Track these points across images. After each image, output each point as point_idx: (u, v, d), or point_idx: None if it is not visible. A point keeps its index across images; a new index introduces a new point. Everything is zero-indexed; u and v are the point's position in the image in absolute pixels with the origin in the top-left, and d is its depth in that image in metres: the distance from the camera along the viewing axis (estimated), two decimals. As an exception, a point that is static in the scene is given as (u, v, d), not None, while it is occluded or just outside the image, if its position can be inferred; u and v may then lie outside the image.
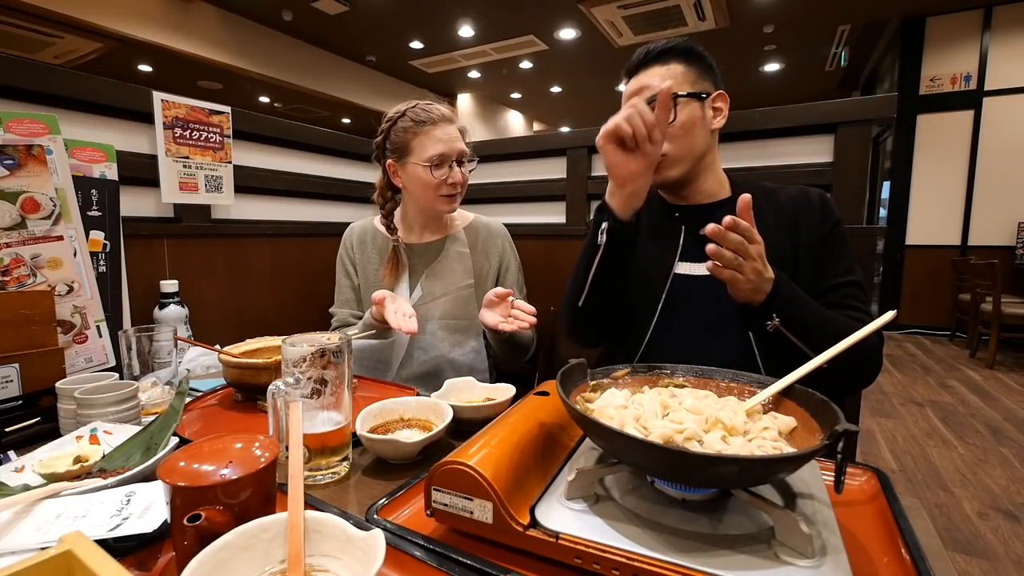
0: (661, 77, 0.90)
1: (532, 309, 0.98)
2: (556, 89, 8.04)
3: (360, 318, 1.25)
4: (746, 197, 0.69)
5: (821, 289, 0.87)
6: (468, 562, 0.45)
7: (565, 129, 8.02)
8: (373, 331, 1.06)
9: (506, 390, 0.84)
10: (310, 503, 0.54)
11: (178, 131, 1.26)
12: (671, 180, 0.93)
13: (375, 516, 0.52)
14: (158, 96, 1.22)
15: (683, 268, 0.94)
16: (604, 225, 0.83)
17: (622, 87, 1.00)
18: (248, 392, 0.88)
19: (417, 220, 1.24)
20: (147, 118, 1.22)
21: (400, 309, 1.01)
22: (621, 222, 0.82)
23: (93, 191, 1.01)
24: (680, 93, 0.88)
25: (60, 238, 0.91)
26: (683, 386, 0.62)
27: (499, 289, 0.99)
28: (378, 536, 0.38)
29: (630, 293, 0.97)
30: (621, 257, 0.86)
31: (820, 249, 0.88)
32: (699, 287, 0.92)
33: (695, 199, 0.97)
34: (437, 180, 1.11)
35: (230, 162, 1.37)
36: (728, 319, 0.86)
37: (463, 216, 1.29)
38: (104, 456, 0.60)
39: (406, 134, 1.13)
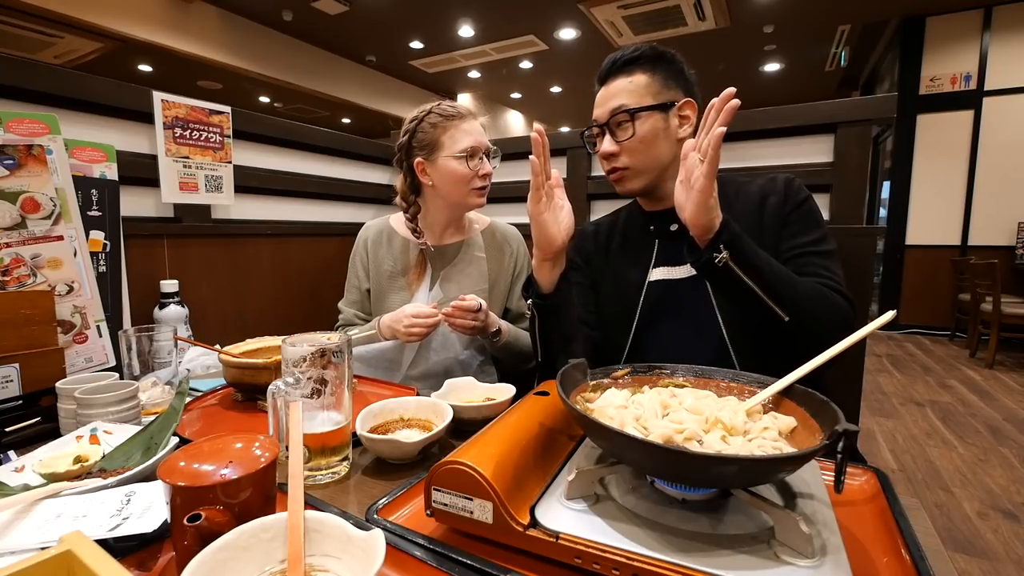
0: (623, 90, 0.91)
1: (468, 305, 1.03)
2: (556, 89, 8.04)
3: (363, 319, 1.25)
4: (730, 91, 0.67)
5: (781, 259, 0.83)
6: (468, 562, 0.45)
7: (565, 129, 8.01)
8: (373, 331, 1.07)
9: (506, 390, 0.84)
10: (310, 503, 0.54)
11: (178, 131, 1.26)
12: (634, 191, 0.95)
13: (375, 516, 0.52)
14: (158, 96, 1.22)
15: (658, 274, 0.95)
16: (529, 301, 0.90)
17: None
18: (248, 392, 0.88)
19: (439, 221, 1.24)
20: (147, 118, 1.22)
21: (418, 318, 1.05)
22: (543, 296, 0.87)
23: (93, 191, 1.01)
24: (638, 107, 0.88)
25: (60, 238, 0.91)
26: (683, 386, 0.62)
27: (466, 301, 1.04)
28: (378, 536, 0.38)
29: (606, 308, 1.00)
30: (556, 316, 0.90)
31: (783, 224, 0.87)
32: (676, 290, 0.93)
33: (670, 203, 0.95)
34: (471, 172, 1.13)
35: (230, 162, 1.37)
36: (707, 315, 0.88)
37: (481, 220, 1.30)
38: (104, 456, 0.60)
39: (435, 129, 1.14)
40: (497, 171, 1.70)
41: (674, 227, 0.94)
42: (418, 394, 0.87)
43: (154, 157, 1.23)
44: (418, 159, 1.17)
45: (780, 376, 0.57)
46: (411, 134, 1.17)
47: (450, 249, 1.23)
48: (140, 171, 1.21)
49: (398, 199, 1.25)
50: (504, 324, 1.15)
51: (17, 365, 0.77)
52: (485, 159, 1.15)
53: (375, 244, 1.27)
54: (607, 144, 0.92)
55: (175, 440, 0.62)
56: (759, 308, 0.74)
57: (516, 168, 1.69)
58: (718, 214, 0.72)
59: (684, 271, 0.92)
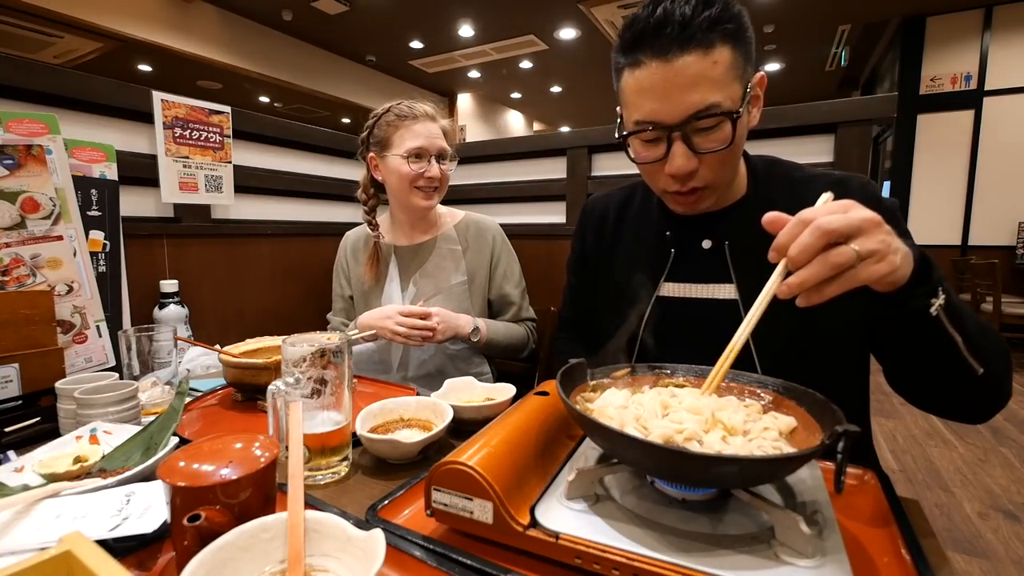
0: (706, 76, 0.61)
1: (422, 324, 1.05)
2: (556, 89, 8.04)
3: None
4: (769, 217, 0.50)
5: None
6: (468, 562, 0.45)
7: (565, 129, 8.02)
8: (370, 332, 1.07)
9: (506, 390, 0.84)
10: (310, 503, 0.54)
11: (178, 131, 1.26)
12: (704, 211, 0.76)
13: (375, 516, 0.52)
14: (158, 96, 1.22)
15: (668, 290, 0.81)
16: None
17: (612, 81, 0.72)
18: (248, 392, 0.88)
19: (405, 221, 1.24)
20: (147, 118, 1.22)
21: (398, 322, 1.06)
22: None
23: (93, 191, 1.01)
24: (738, 108, 0.64)
25: (60, 238, 0.91)
26: (683, 386, 0.62)
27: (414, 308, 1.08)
28: (378, 536, 0.38)
29: (610, 313, 0.87)
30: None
31: None
32: (687, 311, 0.79)
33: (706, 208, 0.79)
34: (414, 173, 1.13)
35: (230, 162, 1.37)
36: (724, 347, 0.69)
37: (453, 214, 1.30)
38: (104, 456, 0.60)
39: (388, 127, 1.16)
40: (494, 171, 1.73)
41: (707, 244, 0.78)
42: (418, 394, 0.87)
43: (154, 157, 1.23)
44: (371, 154, 1.20)
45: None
46: (370, 129, 1.19)
47: (423, 248, 1.24)
48: (140, 171, 1.21)
49: (359, 191, 1.26)
50: (482, 322, 1.15)
51: (17, 365, 0.77)
52: (433, 162, 1.15)
53: (354, 251, 1.29)
54: (683, 159, 0.66)
55: (175, 440, 0.62)
56: (949, 365, 0.56)
57: (517, 168, 1.69)
58: (898, 246, 0.49)
59: (706, 290, 0.78)
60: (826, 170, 0.79)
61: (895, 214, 0.70)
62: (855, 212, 0.47)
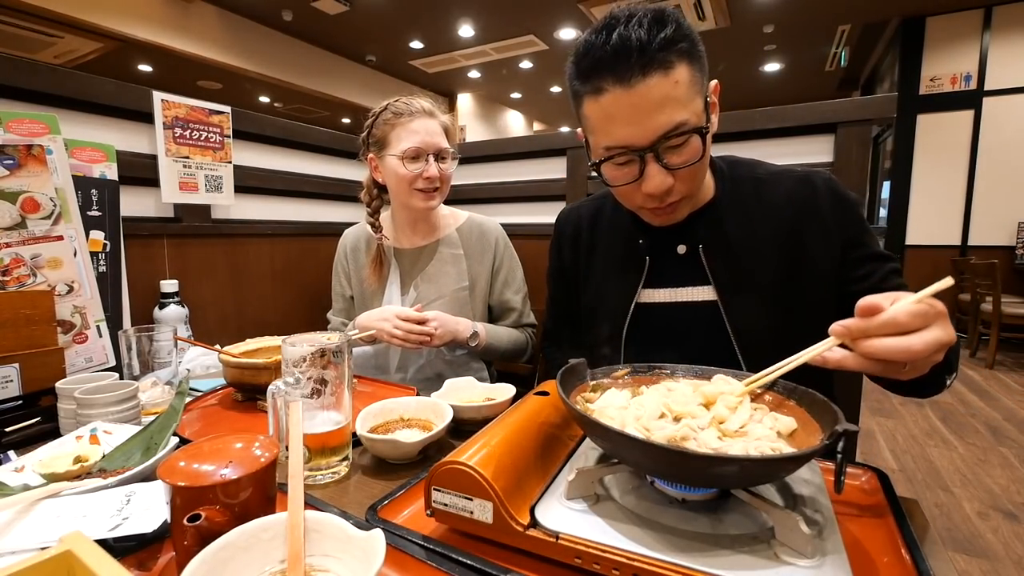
0: (669, 97, 0.62)
1: (419, 328, 1.03)
2: (556, 89, 8.04)
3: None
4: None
5: (859, 285, 0.71)
6: (468, 562, 0.45)
7: (565, 129, 8.02)
8: (370, 332, 1.07)
9: (506, 390, 0.84)
10: (310, 503, 0.54)
11: (178, 131, 1.26)
12: (680, 220, 0.78)
13: (375, 516, 0.52)
14: (158, 96, 1.22)
15: (647, 296, 0.82)
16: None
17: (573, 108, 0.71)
18: (248, 392, 0.88)
19: (406, 222, 1.22)
20: (147, 118, 1.22)
21: (398, 326, 1.04)
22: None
23: (93, 191, 1.01)
24: (705, 124, 0.66)
25: (60, 238, 0.91)
26: (683, 386, 0.62)
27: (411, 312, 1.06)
28: (378, 536, 0.38)
29: (592, 324, 0.89)
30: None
31: (841, 245, 0.74)
32: (668, 314, 0.81)
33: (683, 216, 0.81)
34: (411, 173, 1.10)
35: (230, 162, 1.37)
36: (707, 348, 0.73)
37: (456, 216, 1.27)
38: (104, 456, 0.60)
39: (385, 126, 1.12)
40: (493, 171, 1.73)
41: (682, 249, 0.80)
42: (418, 394, 0.87)
43: (154, 157, 1.23)
44: (371, 155, 1.17)
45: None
46: (369, 129, 1.16)
47: (424, 252, 1.21)
48: (140, 171, 1.21)
49: (363, 193, 1.24)
50: (481, 327, 1.14)
51: (17, 365, 0.77)
52: (432, 161, 1.11)
53: (354, 250, 1.27)
54: (659, 177, 0.67)
55: (175, 440, 0.62)
56: (928, 387, 0.64)
57: (517, 168, 1.69)
58: (939, 359, 0.50)
59: (684, 294, 0.80)
60: (788, 166, 0.82)
61: (858, 211, 0.76)
62: (936, 332, 0.47)
